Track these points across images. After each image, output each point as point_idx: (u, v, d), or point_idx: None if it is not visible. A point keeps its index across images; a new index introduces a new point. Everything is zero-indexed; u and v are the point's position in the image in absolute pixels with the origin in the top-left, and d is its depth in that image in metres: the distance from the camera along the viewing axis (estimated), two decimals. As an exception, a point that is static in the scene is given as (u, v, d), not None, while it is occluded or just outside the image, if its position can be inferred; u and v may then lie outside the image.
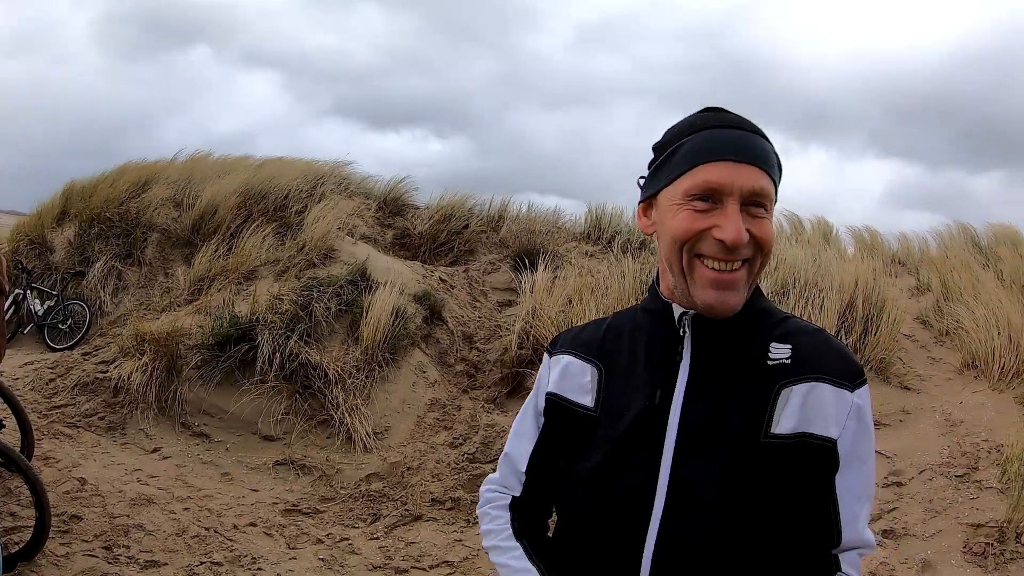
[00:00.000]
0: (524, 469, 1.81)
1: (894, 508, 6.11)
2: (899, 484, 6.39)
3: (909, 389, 7.75)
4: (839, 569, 1.53)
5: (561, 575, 1.66)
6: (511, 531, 1.77)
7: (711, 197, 1.48)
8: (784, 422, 1.50)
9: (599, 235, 12.93)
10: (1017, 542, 5.83)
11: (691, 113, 1.65)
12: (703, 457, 1.51)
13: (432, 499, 7.08)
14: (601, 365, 1.70)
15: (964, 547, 5.73)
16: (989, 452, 6.78)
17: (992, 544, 5.77)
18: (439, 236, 11.90)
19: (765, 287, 8.21)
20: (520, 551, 1.72)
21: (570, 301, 9.12)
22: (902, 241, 13.13)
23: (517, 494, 1.81)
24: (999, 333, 8.12)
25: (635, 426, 1.57)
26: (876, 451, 6.63)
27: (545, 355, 1.84)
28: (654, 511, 1.51)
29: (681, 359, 1.58)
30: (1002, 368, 7.90)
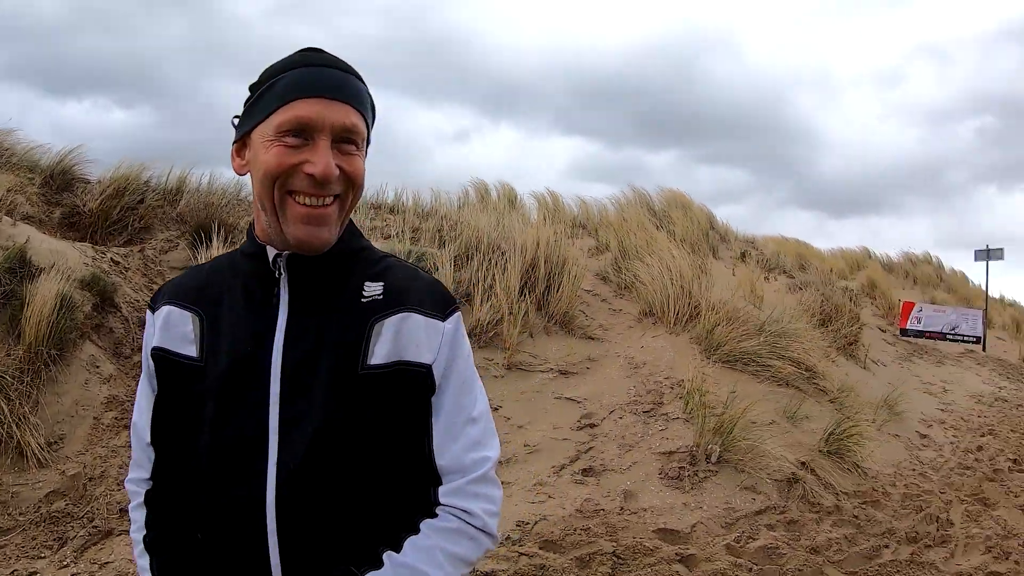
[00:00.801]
0: (148, 440, 1.70)
1: (591, 448, 6.39)
2: (592, 426, 6.71)
3: (593, 339, 8.19)
4: (437, 502, 1.51)
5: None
6: (143, 544, 1.68)
7: (303, 133, 1.46)
8: (379, 352, 1.51)
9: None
10: (707, 462, 6.34)
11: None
12: (306, 395, 1.50)
13: (120, 509, 6.33)
14: (202, 312, 1.63)
15: (660, 474, 6.13)
16: (672, 388, 7.32)
17: (685, 467, 6.22)
18: (112, 213, 10.49)
19: (450, 252, 8.31)
20: (148, 571, 1.65)
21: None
22: (582, 207, 13.89)
23: (147, 475, 1.70)
24: (673, 283, 8.79)
25: (240, 371, 1.54)
26: (567, 398, 6.86)
27: (147, 312, 1.72)
28: (269, 454, 1.48)
29: (279, 300, 1.56)
30: (677, 314, 8.60)
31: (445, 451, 1.52)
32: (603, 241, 11.28)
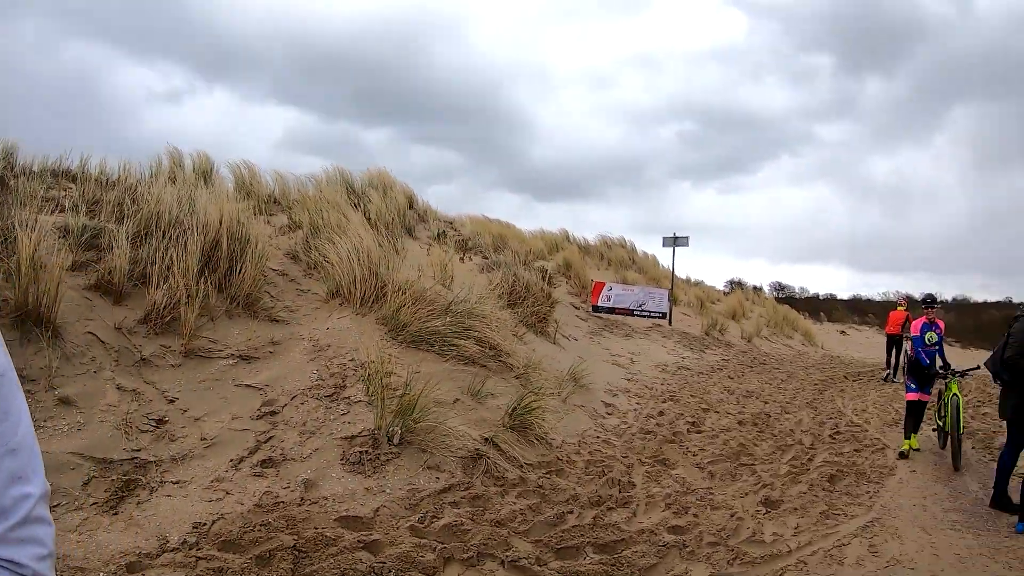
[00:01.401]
0: None
1: (271, 438, 6.05)
2: (273, 413, 6.35)
3: (278, 321, 7.80)
4: None
5: None
6: None
7: None
8: None
9: None
10: (390, 444, 6.24)
11: None
12: None
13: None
14: None
15: (342, 460, 5.95)
16: (355, 370, 7.14)
17: (367, 451, 6.09)
18: None
19: (127, 228, 7.55)
20: None
21: None
22: (279, 182, 13.28)
23: None
24: (360, 264, 8.63)
25: None
26: (248, 385, 6.46)
27: None
28: None
29: None
30: (363, 295, 8.44)
31: None
32: (296, 219, 10.86)
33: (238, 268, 7.79)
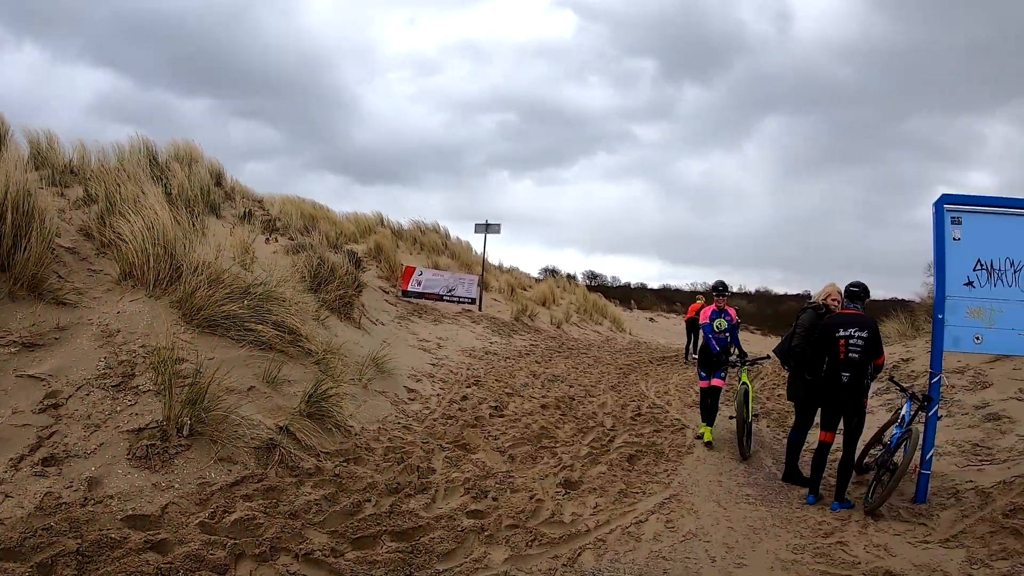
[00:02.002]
0: None
1: (54, 433, 5.71)
2: (56, 406, 5.99)
3: (66, 304, 7.27)
4: None
5: None
6: None
7: None
8: None
9: None
10: (179, 435, 6.09)
11: None
12: None
13: None
14: None
15: (128, 454, 5.75)
16: (145, 357, 6.84)
17: (155, 445, 5.91)
18: None
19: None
20: None
21: None
22: (79, 150, 12.50)
23: None
24: (155, 244, 8.32)
25: None
26: (30, 375, 6.06)
27: None
28: None
29: None
30: (158, 276, 8.11)
31: None
32: (92, 192, 10.29)
33: (24, 245, 7.22)
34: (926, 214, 7.76)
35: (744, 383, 9.81)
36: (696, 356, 12.71)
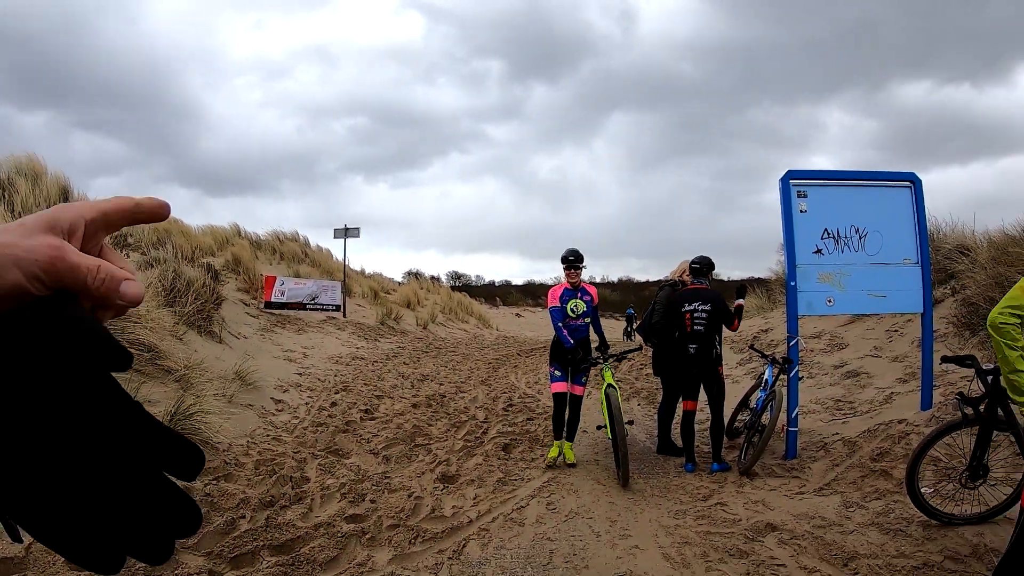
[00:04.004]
0: None
1: None
2: None
3: None
4: None
5: None
6: None
7: None
8: None
9: None
10: None
11: None
12: None
13: None
14: None
15: None
16: None
17: None
18: None
19: None
20: None
21: None
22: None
23: None
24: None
25: None
26: None
27: None
28: None
29: None
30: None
31: None
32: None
33: None
34: (773, 198, 8.43)
35: (610, 385, 7.92)
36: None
